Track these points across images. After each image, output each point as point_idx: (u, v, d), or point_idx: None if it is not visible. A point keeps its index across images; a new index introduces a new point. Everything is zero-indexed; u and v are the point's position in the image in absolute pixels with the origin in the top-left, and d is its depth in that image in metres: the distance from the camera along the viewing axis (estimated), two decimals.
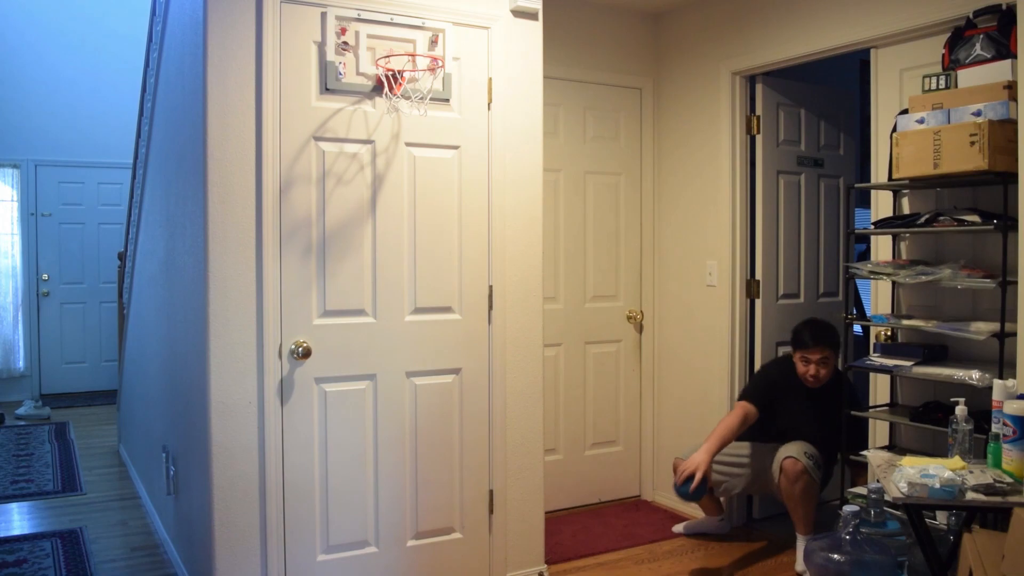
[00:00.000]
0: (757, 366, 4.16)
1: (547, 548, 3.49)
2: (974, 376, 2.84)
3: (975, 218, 2.94)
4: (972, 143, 2.76)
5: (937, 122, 2.92)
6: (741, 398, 3.72)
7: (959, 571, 2.27)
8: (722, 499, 3.98)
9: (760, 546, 3.86)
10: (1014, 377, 2.64)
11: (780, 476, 3.54)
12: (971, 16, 2.98)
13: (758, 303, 4.15)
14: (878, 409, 3.42)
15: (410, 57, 3.02)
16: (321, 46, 2.94)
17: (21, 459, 5.61)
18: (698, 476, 3.36)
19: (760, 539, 3.96)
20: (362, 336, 3.05)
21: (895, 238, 3.41)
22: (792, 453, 3.53)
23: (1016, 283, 2.72)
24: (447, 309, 3.20)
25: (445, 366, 3.20)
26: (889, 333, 3.43)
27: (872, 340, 3.51)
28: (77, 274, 7.85)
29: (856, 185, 3.58)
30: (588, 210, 4.42)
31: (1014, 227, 2.79)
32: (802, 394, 3.69)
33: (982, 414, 2.63)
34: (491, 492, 3.31)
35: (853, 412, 3.44)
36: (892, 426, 3.42)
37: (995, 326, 2.86)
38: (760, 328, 4.16)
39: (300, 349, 2.91)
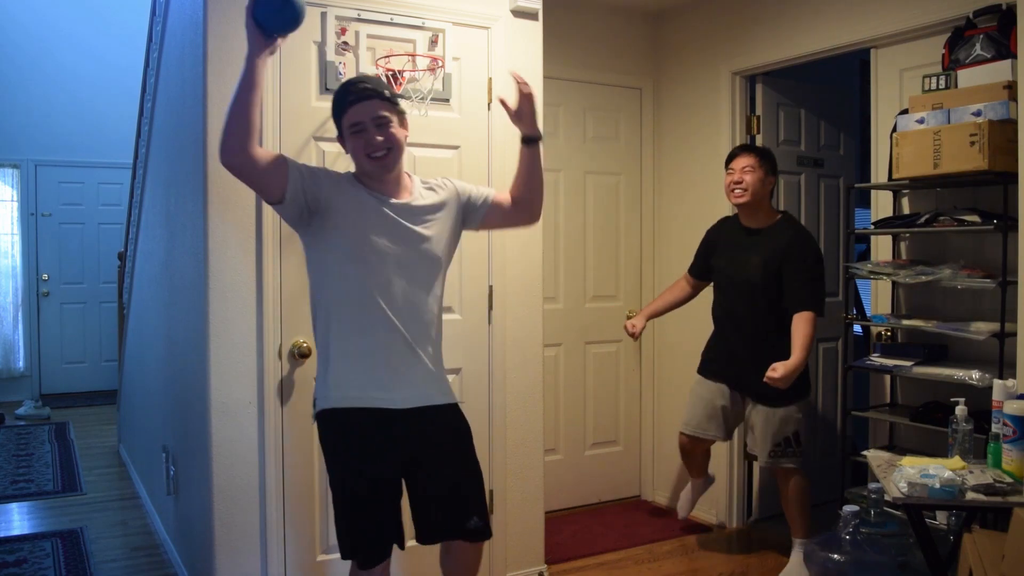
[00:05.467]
0: None
1: (547, 548, 3.48)
2: (974, 376, 2.84)
3: (975, 218, 2.94)
4: (972, 143, 2.76)
5: (937, 122, 2.92)
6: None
7: (959, 571, 2.27)
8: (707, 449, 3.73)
9: (760, 546, 3.86)
10: (1014, 377, 2.63)
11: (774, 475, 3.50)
12: (971, 16, 2.98)
13: None
14: (878, 409, 3.42)
15: (410, 57, 3.02)
16: (321, 46, 2.94)
17: (21, 459, 5.61)
18: (631, 325, 3.61)
19: (760, 539, 3.96)
20: None
21: (895, 238, 3.41)
22: (765, 460, 3.38)
23: (1016, 283, 2.72)
24: (447, 309, 3.19)
25: (445, 366, 3.19)
26: (889, 333, 3.43)
27: (872, 340, 3.51)
28: (77, 274, 7.85)
29: (856, 185, 3.59)
30: (588, 210, 4.42)
31: (1014, 227, 2.79)
32: (742, 236, 3.46)
33: (982, 414, 2.63)
34: (491, 492, 3.31)
35: (854, 412, 3.44)
36: (892, 426, 3.42)
37: (995, 326, 2.86)
38: None
39: (300, 349, 2.91)
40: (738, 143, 4.10)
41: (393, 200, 2.31)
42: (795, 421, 3.34)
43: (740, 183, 3.36)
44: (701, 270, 3.66)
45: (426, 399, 2.34)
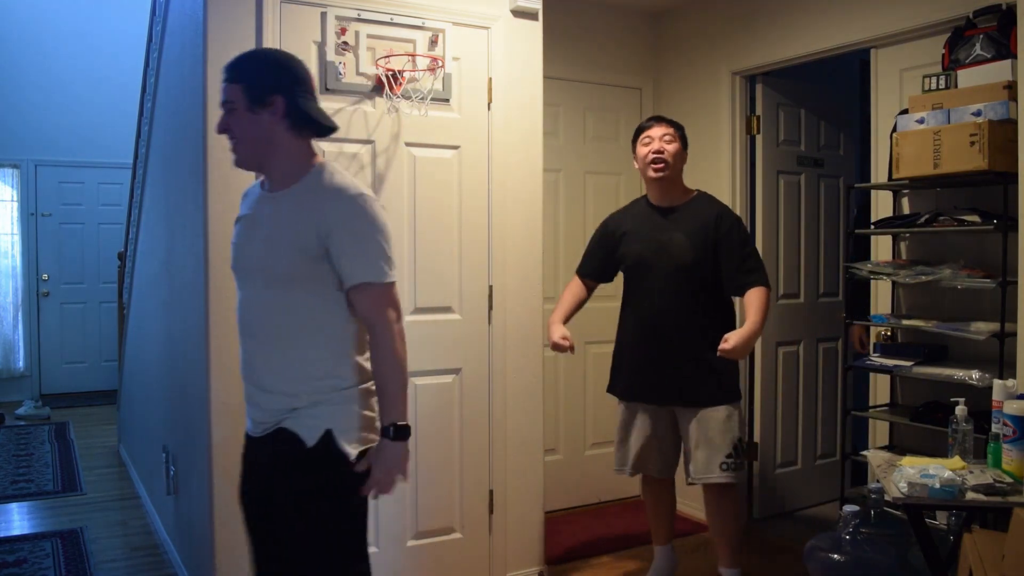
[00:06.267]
0: (757, 366, 4.16)
1: (547, 548, 3.48)
2: (974, 376, 2.84)
3: (975, 218, 2.94)
4: (972, 143, 2.76)
5: (937, 122, 2.92)
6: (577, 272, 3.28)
7: (959, 571, 2.27)
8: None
9: (760, 546, 3.86)
10: (1014, 377, 2.63)
11: (705, 491, 3.07)
12: (971, 16, 2.98)
13: None
14: (878, 409, 3.42)
15: (410, 57, 3.02)
16: (321, 46, 2.94)
17: (21, 459, 5.61)
18: (563, 338, 2.99)
19: (760, 539, 3.96)
20: None
21: (895, 238, 3.41)
22: (718, 473, 2.95)
23: (1016, 283, 2.72)
24: (447, 309, 3.20)
25: (445, 366, 3.20)
26: (889, 333, 3.43)
27: (872, 340, 3.51)
28: (77, 274, 7.85)
29: (856, 185, 3.58)
30: (588, 210, 4.42)
31: (1014, 227, 2.79)
32: (656, 217, 3.11)
33: (982, 414, 2.63)
34: (491, 492, 3.31)
35: (854, 412, 3.44)
36: (892, 426, 3.42)
37: (995, 326, 2.85)
38: None
39: None
40: (738, 143, 4.10)
41: (265, 192, 2.03)
42: (739, 421, 3.02)
43: (661, 153, 2.99)
44: (598, 268, 3.22)
45: (267, 427, 1.98)
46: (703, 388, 2.97)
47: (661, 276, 3.00)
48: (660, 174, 3.01)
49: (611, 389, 3.22)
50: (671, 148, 3.02)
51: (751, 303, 2.90)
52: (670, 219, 3.05)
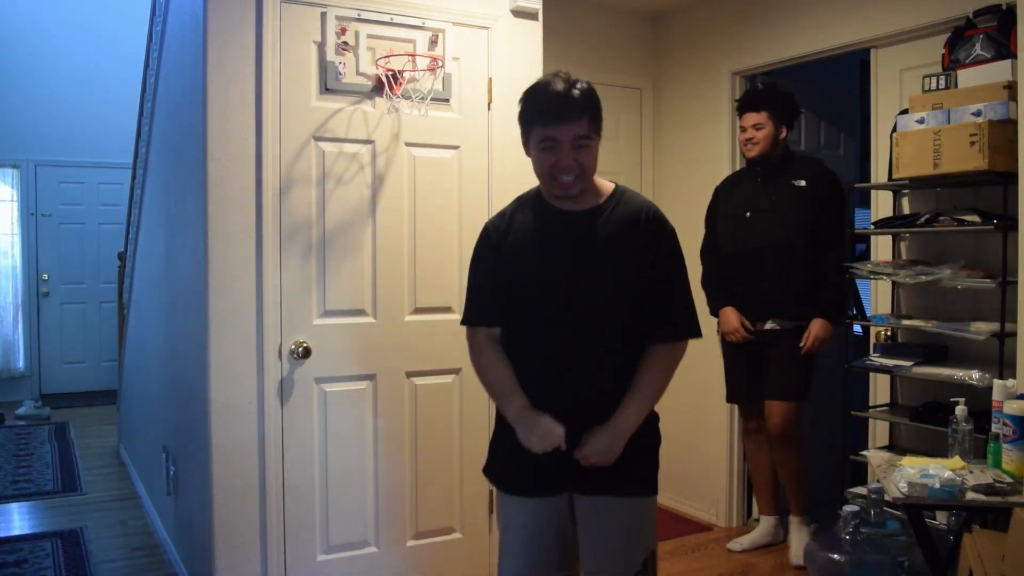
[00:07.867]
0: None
1: None
2: (974, 376, 2.84)
3: (975, 218, 2.94)
4: (972, 143, 2.76)
5: (937, 122, 2.92)
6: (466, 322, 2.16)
7: (959, 571, 2.27)
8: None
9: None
10: (1014, 377, 2.63)
11: None
12: (971, 16, 2.98)
13: None
14: (878, 409, 3.42)
15: (410, 57, 3.02)
16: (321, 46, 2.94)
17: (21, 459, 5.61)
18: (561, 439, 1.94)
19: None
20: (362, 336, 3.05)
21: (895, 238, 3.41)
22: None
23: (1016, 283, 2.72)
24: (447, 309, 3.20)
25: (445, 366, 3.20)
26: (889, 333, 3.43)
27: (872, 340, 3.51)
28: (77, 274, 7.85)
29: (856, 185, 3.58)
30: None
31: (1014, 227, 2.79)
32: (564, 226, 2.03)
33: (982, 414, 2.63)
34: (491, 492, 3.31)
35: (853, 412, 3.44)
36: (892, 426, 3.42)
37: (995, 326, 2.86)
38: None
39: (300, 349, 2.91)
40: (738, 143, 4.09)
41: None
42: (654, 521, 2.07)
43: (573, 167, 1.95)
44: (506, 306, 2.07)
45: None
46: (624, 469, 1.96)
47: (564, 314, 1.99)
48: (572, 190, 1.99)
49: (489, 471, 2.23)
50: (585, 156, 1.98)
51: (647, 369, 1.98)
52: (578, 229, 2.01)
